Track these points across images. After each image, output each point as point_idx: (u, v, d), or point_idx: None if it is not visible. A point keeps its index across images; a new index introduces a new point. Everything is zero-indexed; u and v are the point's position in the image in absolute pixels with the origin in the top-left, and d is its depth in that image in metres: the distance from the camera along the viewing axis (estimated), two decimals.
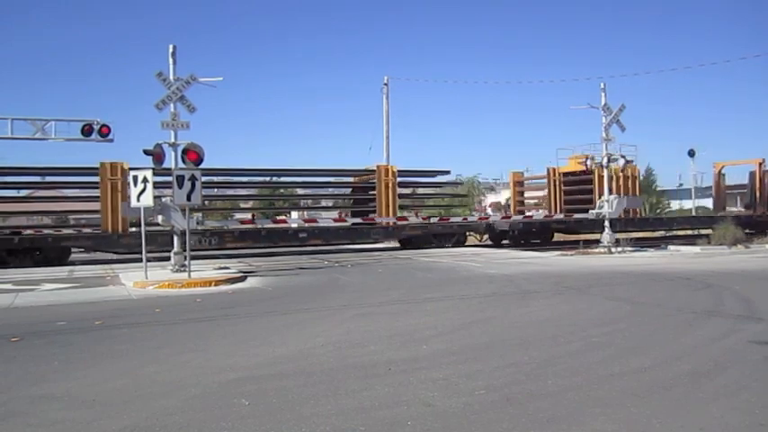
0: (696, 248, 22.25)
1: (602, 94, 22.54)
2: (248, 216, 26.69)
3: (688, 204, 50.41)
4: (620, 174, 28.40)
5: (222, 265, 18.11)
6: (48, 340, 8.10)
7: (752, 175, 35.22)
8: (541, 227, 30.00)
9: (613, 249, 21.93)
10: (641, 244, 24.71)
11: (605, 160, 23.06)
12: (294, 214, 33.61)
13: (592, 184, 30.03)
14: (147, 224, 15.16)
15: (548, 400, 5.14)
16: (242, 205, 35.43)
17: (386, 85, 38.31)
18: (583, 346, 7.20)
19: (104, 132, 18.81)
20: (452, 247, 26.85)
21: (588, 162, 23.88)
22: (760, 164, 34.59)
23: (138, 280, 14.18)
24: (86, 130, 18.73)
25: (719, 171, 36.72)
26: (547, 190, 32.92)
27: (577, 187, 31.93)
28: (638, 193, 30.96)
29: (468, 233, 29.47)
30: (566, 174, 32.40)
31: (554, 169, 32.43)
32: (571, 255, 21.01)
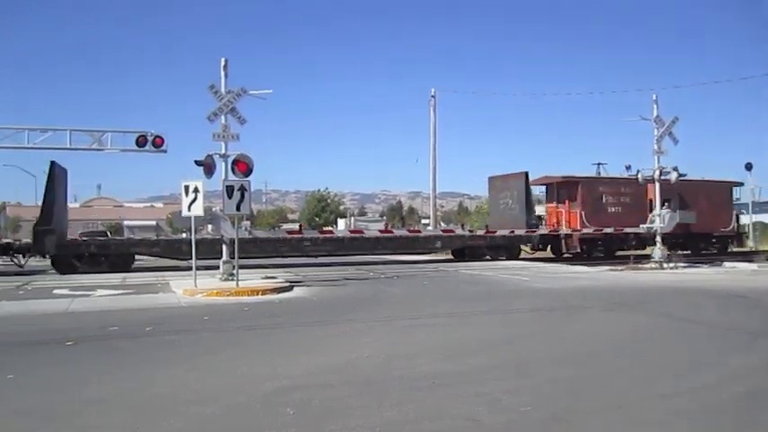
0: (753, 265, 21.49)
1: (654, 106, 22.07)
2: (295, 227, 26.95)
3: (743, 219, 48.67)
4: None
5: (269, 275, 18.31)
6: (99, 345, 8.33)
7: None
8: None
9: (665, 265, 21.38)
10: (695, 260, 23.99)
11: (657, 173, 22.53)
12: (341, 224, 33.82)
13: None
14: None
15: (594, 419, 5.02)
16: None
17: (433, 97, 38.31)
18: (631, 363, 7.02)
19: (158, 143, 19.24)
20: (507, 260, 26.35)
21: (639, 176, 23.32)
22: None
23: (187, 287, 14.46)
24: (141, 142, 19.18)
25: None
26: None
27: None
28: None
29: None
30: None
31: None
32: (621, 270, 20.55)
